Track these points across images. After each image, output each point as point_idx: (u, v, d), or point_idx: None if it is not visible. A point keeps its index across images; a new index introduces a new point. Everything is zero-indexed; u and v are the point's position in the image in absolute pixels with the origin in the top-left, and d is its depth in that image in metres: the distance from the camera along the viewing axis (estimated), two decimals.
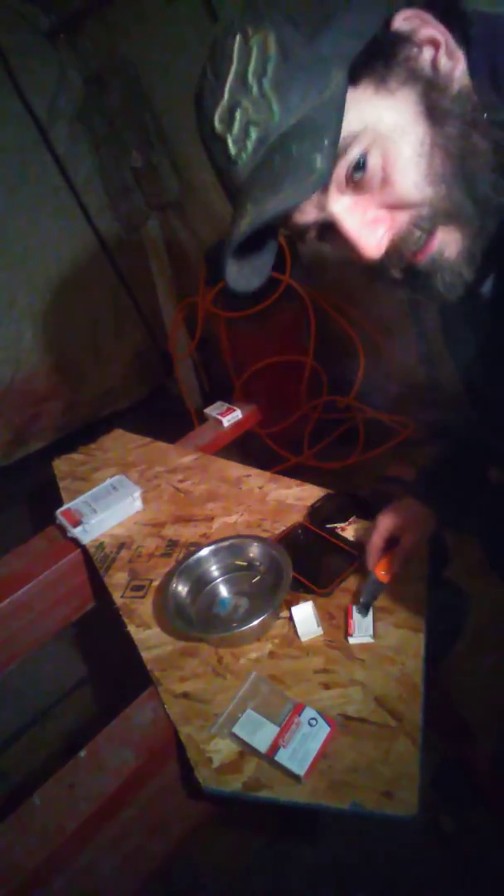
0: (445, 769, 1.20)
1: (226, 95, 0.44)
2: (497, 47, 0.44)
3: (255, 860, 1.18)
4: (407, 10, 0.44)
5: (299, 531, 1.12)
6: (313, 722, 0.79)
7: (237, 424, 1.67)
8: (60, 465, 1.57)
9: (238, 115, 0.44)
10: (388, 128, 0.44)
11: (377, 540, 0.95)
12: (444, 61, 0.44)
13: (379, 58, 0.43)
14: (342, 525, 1.10)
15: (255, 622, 0.90)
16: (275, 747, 0.77)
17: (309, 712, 0.80)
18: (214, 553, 1.08)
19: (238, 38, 0.43)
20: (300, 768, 0.74)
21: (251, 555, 1.07)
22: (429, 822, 1.16)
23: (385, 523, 0.95)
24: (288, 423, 2.33)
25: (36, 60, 2.38)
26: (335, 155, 0.42)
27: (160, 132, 2.42)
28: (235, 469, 1.38)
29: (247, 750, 0.79)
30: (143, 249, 2.89)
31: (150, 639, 1.00)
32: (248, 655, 0.93)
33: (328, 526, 1.10)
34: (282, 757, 0.75)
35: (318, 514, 1.14)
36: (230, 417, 1.65)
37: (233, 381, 2.41)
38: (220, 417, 1.65)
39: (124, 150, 2.45)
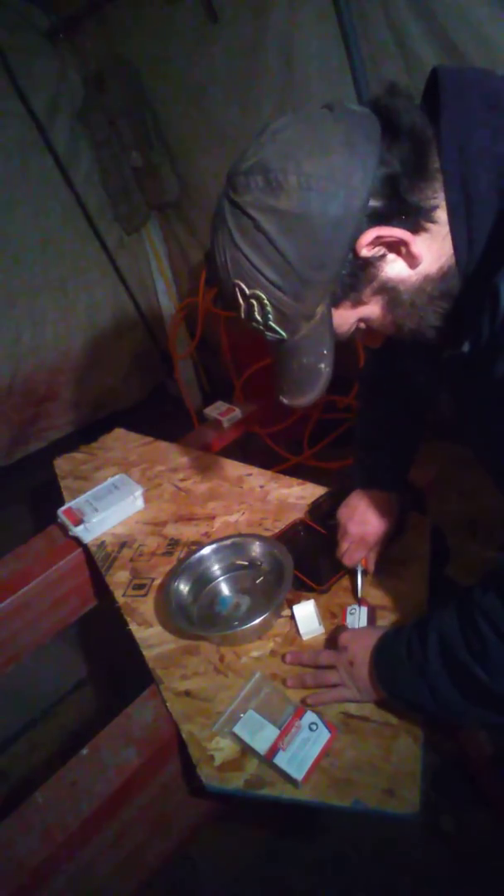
0: (445, 769, 1.20)
1: (243, 315, 0.60)
2: (468, 177, 0.52)
3: (256, 858, 1.18)
4: (368, 234, 0.53)
5: (299, 527, 1.12)
6: (314, 726, 0.78)
7: (237, 424, 1.67)
8: (62, 463, 1.57)
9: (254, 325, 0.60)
10: (365, 315, 0.63)
11: (355, 553, 0.96)
12: (405, 264, 0.57)
13: (352, 288, 0.58)
14: None
15: (257, 621, 0.90)
16: (274, 750, 0.76)
17: (310, 716, 0.79)
18: (216, 552, 1.08)
19: (237, 291, 0.57)
20: (298, 773, 0.74)
21: (252, 553, 1.07)
22: (429, 822, 1.16)
23: (353, 529, 0.98)
24: (288, 423, 2.34)
25: (36, 60, 2.38)
26: (333, 357, 0.62)
27: (160, 132, 2.42)
28: (236, 468, 1.38)
29: (246, 750, 0.79)
30: (143, 249, 2.90)
31: (151, 637, 1.00)
32: (249, 654, 0.93)
33: (329, 523, 1.10)
34: (280, 760, 0.75)
35: (319, 511, 1.14)
36: (230, 417, 1.65)
37: (233, 381, 2.41)
38: (220, 417, 1.65)
39: (124, 150, 2.45)
